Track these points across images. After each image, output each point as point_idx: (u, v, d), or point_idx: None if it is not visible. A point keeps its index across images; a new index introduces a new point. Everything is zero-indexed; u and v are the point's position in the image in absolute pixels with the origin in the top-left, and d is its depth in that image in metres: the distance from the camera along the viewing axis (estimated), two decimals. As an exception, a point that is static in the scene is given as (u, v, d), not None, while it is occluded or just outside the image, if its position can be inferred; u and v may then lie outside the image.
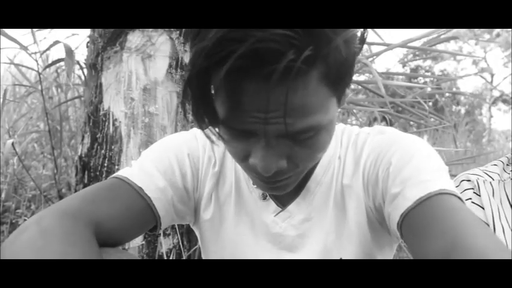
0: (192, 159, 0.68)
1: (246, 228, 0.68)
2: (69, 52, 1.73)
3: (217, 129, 0.53)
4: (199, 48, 0.45)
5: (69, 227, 0.51)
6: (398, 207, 0.55)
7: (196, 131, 0.72)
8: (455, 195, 0.54)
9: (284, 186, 0.58)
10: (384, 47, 1.99)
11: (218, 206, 0.69)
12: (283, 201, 0.66)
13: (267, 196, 0.67)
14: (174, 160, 0.66)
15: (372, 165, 0.62)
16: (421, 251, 0.51)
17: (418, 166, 0.57)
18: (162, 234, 1.45)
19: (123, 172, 0.64)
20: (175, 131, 1.48)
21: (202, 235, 0.72)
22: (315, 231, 0.65)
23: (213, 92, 0.48)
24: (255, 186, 0.67)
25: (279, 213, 0.66)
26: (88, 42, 1.62)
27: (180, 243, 1.47)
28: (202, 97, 0.47)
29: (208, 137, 0.54)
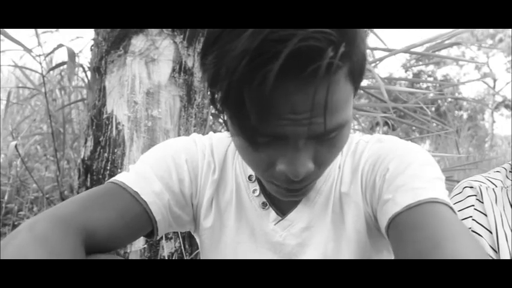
0: (191, 164, 0.68)
1: (246, 236, 0.67)
2: (72, 56, 1.74)
3: (239, 138, 0.51)
4: (239, 51, 0.43)
5: (59, 235, 0.52)
6: (388, 212, 0.56)
7: (195, 136, 0.71)
8: (446, 205, 0.55)
9: (306, 191, 0.58)
10: (386, 53, 1.99)
11: (219, 214, 0.69)
12: (283, 209, 0.66)
13: (267, 205, 0.66)
14: (171, 165, 0.66)
15: (370, 172, 0.62)
16: (402, 254, 0.52)
17: (413, 174, 0.57)
18: (164, 238, 1.45)
19: (119, 177, 0.64)
20: (178, 134, 1.49)
21: (203, 243, 0.71)
22: (314, 239, 0.65)
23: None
24: (256, 195, 0.67)
25: (279, 222, 0.66)
26: (92, 46, 1.63)
27: (182, 246, 1.47)
28: (240, 103, 0.46)
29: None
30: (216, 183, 0.68)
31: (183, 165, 0.67)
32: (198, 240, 0.74)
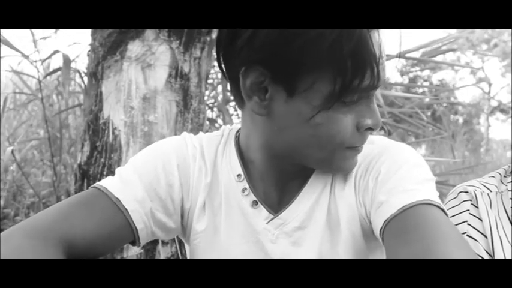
0: (182, 169, 0.66)
1: (237, 238, 0.66)
2: (67, 61, 1.75)
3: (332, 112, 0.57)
4: (342, 33, 0.52)
5: (38, 247, 0.52)
6: (383, 214, 0.57)
7: (186, 137, 0.70)
8: (438, 207, 0.56)
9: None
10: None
11: (212, 216, 0.68)
12: (274, 208, 0.66)
13: (257, 203, 0.66)
14: (160, 170, 0.65)
15: (363, 175, 0.63)
16: (394, 255, 0.52)
17: (404, 175, 0.59)
18: (160, 243, 1.45)
19: (103, 182, 0.63)
20: (175, 139, 1.49)
21: (196, 247, 0.69)
22: (308, 240, 0.65)
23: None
24: (245, 194, 0.66)
25: (271, 220, 0.65)
26: (89, 51, 1.63)
27: (179, 251, 1.47)
28: (357, 61, 0.54)
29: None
30: (208, 186, 0.67)
31: (173, 171, 0.66)
32: (188, 246, 0.72)
